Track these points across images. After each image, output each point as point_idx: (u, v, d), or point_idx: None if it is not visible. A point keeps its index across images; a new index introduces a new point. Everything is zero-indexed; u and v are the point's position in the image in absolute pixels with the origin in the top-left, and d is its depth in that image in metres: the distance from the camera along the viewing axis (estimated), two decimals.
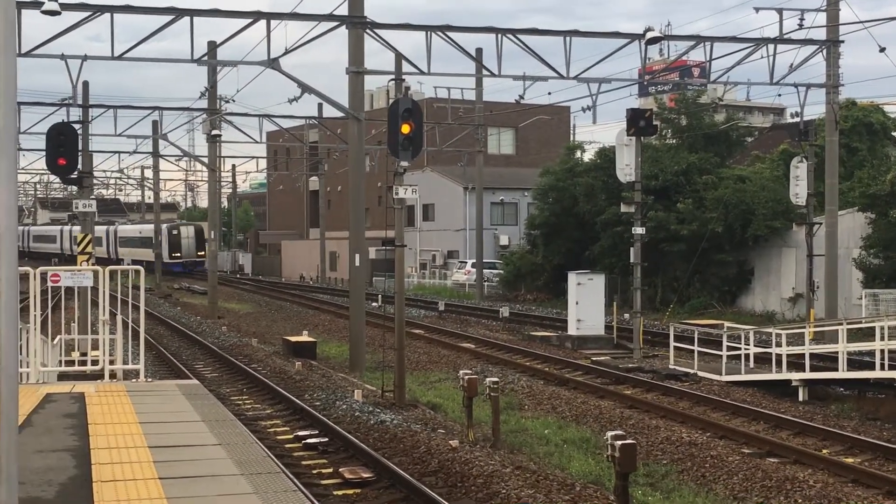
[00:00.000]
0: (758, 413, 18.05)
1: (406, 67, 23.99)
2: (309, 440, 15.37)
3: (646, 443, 15.68)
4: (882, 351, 18.42)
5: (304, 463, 14.21)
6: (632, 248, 25.78)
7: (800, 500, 12.52)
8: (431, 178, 62.98)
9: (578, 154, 55.93)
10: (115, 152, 57.51)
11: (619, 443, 10.79)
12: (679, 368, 22.72)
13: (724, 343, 22.10)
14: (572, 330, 27.94)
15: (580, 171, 49.84)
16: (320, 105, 58.16)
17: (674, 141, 48.29)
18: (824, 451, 15.42)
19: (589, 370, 23.58)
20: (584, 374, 23.30)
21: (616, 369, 23.15)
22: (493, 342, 28.85)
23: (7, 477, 6.18)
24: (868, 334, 22.20)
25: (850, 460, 14.73)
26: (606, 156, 47.04)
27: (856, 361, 21.66)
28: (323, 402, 19.05)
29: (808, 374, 19.90)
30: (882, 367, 18.32)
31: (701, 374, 22.07)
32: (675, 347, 23.56)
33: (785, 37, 28.51)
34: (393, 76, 21.97)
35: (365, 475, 13.13)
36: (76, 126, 26.06)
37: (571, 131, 73.64)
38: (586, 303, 27.68)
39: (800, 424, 17.04)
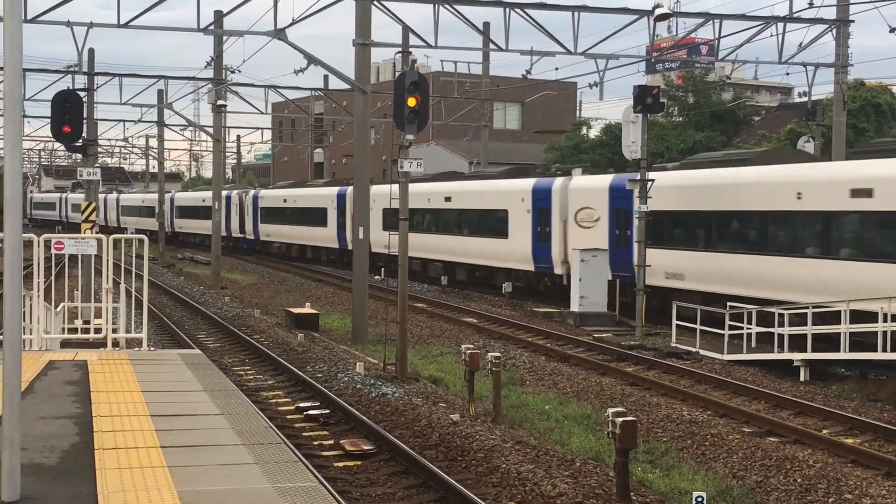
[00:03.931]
0: (759, 392, 18.07)
1: (413, 40, 23.90)
2: (310, 412, 15.43)
3: (646, 420, 15.71)
4: (884, 332, 18.41)
5: (305, 434, 14.27)
6: (636, 226, 25.72)
7: (799, 480, 12.54)
8: (436, 151, 62.86)
9: (584, 130, 55.80)
10: (120, 121, 57.31)
11: (620, 419, 10.81)
12: (681, 347, 22.73)
13: (727, 322, 22.09)
14: (575, 306, 27.93)
15: (586, 148, 49.72)
16: (326, 77, 58.08)
17: (680, 119, 48.18)
18: (824, 431, 15.44)
19: (591, 347, 23.60)
20: (585, 350, 23.33)
21: (618, 346, 23.17)
22: (495, 317, 28.86)
23: (10, 443, 6.22)
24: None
25: (850, 441, 14.75)
26: (612, 133, 47.00)
27: (858, 342, 21.62)
28: (325, 373, 19.10)
29: (809, 355, 19.91)
30: (884, 349, 18.31)
31: (703, 352, 22.08)
32: (677, 326, 23.56)
33: (795, 15, 28.36)
34: (400, 49, 21.87)
35: (366, 447, 13.18)
36: (81, 94, 25.98)
37: (578, 107, 73.45)
38: (589, 279, 27.66)
39: (800, 404, 17.06)
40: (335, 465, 12.63)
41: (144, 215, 73.99)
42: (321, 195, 49.29)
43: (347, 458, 12.94)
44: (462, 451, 13.04)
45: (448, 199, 38.06)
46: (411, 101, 18.75)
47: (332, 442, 13.76)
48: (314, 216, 49.52)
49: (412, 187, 38.64)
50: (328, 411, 15.47)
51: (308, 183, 57.93)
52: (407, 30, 22.57)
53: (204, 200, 61.19)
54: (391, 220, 40.62)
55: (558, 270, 31.32)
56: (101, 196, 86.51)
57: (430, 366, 21.02)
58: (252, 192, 60.49)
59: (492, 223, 35.05)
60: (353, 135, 26.49)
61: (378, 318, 25.48)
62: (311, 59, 26.21)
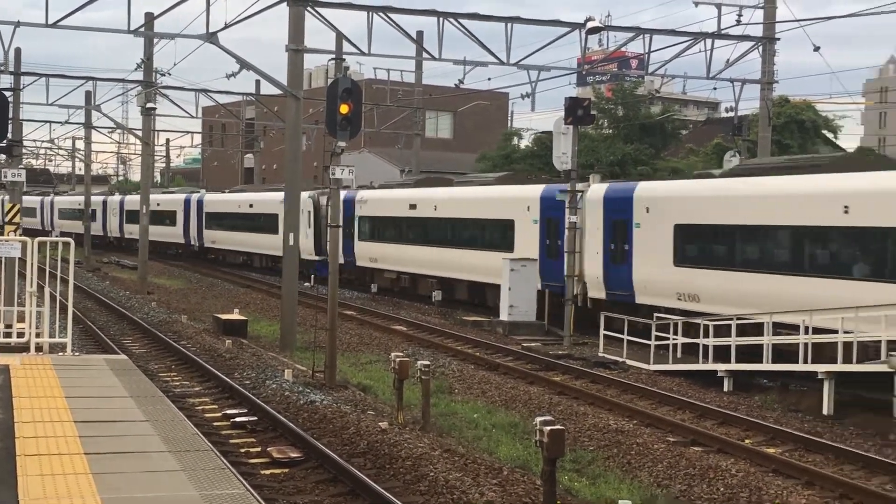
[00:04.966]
0: (684, 402, 18.33)
1: (346, 47, 23.89)
2: (238, 419, 15.30)
3: (574, 429, 15.84)
4: (805, 345, 18.81)
5: (232, 441, 14.14)
6: (565, 237, 25.97)
7: (722, 489, 12.76)
8: (368, 159, 62.77)
9: (516, 140, 56.21)
10: (46, 122, 56.37)
11: (548, 428, 10.89)
12: (608, 356, 22.97)
13: (653, 333, 22.38)
14: (504, 316, 28.07)
15: (517, 158, 50.09)
16: (258, 82, 57.73)
17: (610, 131, 48.78)
18: (747, 440, 15.72)
19: (519, 356, 23.74)
20: (514, 359, 23.46)
21: (546, 356, 23.33)
22: (425, 325, 28.89)
23: None
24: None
25: (771, 450, 15.05)
26: (543, 143, 47.39)
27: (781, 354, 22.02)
28: (252, 380, 18.95)
29: (733, 366, 20.24)
30: (805, 360, 18.71)
31: (629, 362, 22.33)
32: (605, 336, 23.81)
33: (723, 32, 28.89)
34: (333, 55, 21.84)
35: (293, 455, 13.12)
36: (7, 93, 25.47)
37: (509, 118, 73.97)
38: (519, 289, 27.81)
39: (724, 414, 17.34)
40: (262, 472, 12.54)
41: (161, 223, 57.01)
42: (506, 199, 30.93)
43: (275, 465, 12.86)
44: (390, 459, 13.03)
45: None
46: (344, 108, 18.73)
47: (259, 449, 13.66)
48: (490, 233, 31.34)
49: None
50: (256, 418, 15.35)
51: (463, 179, 38.12)
52: (340, 36, 22.57)
53: (252, 206, 46.46)
54: (702, 246, 23.26)
55: None
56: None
57: (360, 373, 20.97)
58: (346, 193, 39.35)
59: None
60: (285, 141, 26.36)
61: (307, 325, 25.35)
62: (243, 64, 26.03)
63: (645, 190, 25.74)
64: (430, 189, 35.67)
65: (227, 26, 25.02)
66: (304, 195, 41.01)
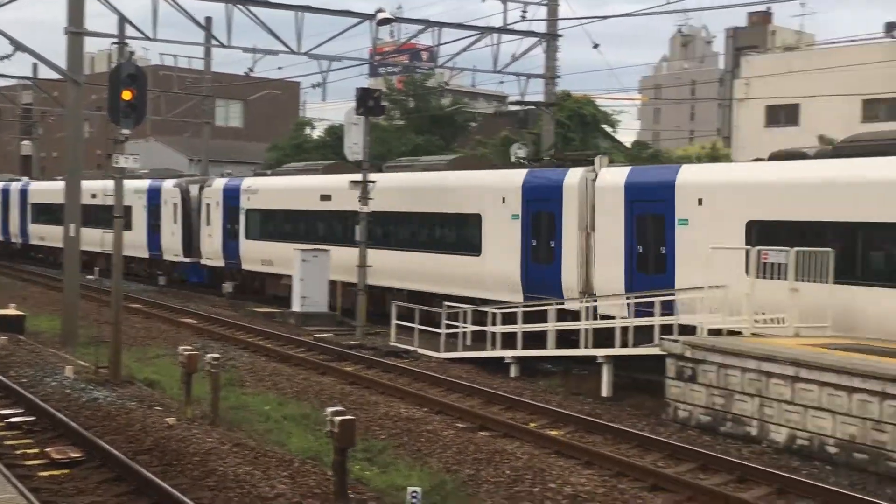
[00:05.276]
0: (472, 389, 18.74)
1: (130, 32, 23.12)
2: (13, 419, 14.64)
3: (365, 418, 15.94)
4: (586, 330, 19.60)
5: (6, 443, 13.52)
6: (357, 227, 26.06)
7: (508, 472, 13.14)
8: (155, 147, 61.04)
9: (308, 130, 55.99)
10: None
11: (339, 419, 10.95)
12: (400, 346, 23.22)
13: (443, 321, 22.78)
14: (296, 307, 27.91)
15: (309, 148, 49.86)
16: (35, 65, 54.95)
17: (402, 122, 49.25)
18: (531, 424, 16.24)
19: (311, 347, 23.68)
20: (306, 350, 23.38)
21: (338, 346, 23.37)
22: (215, 318, 28.38)
23: None
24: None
25: (554, 433, 15.60)
26: (335, 134, 47.39)
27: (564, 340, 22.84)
28: (30, 378, 18.15)
29: (519, 352, 20.86)
30: (585, 346, 19.50)
31: (421, 351, 22.65)
32: (397, 325, 24.05)
33: (508, 27, 29.63)
34: (116, 39, 21.09)
35: (74, 455, 12.69)
36: None
37: (301, 107, 73.51)
38: (311, 280, 27.70)
39: (510, 399, 17.84)
40: (40, 474, 12.04)
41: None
42: (470, 188, 25.28)
43: (54, 466, 12.37)
44: (178, 455, 12.77)
45: None
46: (127, 95, 18.17)
47: (37, 451, 13.10)
48: (443, 231, 26.22)
49: None
50: (33, 418, 14.72)
51: (396, 164, 30.75)
52: (123, 20, 21.80)
53: (95, 196, 36.03)
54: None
55: None
56: None
57: (147, 368, 20.40)
58: (229, 180, 35.09)
59: None
60: (65, 128, 25.30)
61: (90, 319, 24.44)
62: (18, 46, 24.82)
63: (694, 175, 19.78)
64: (353, 175, 27.11)
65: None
66: (169, 184, 36.69)
